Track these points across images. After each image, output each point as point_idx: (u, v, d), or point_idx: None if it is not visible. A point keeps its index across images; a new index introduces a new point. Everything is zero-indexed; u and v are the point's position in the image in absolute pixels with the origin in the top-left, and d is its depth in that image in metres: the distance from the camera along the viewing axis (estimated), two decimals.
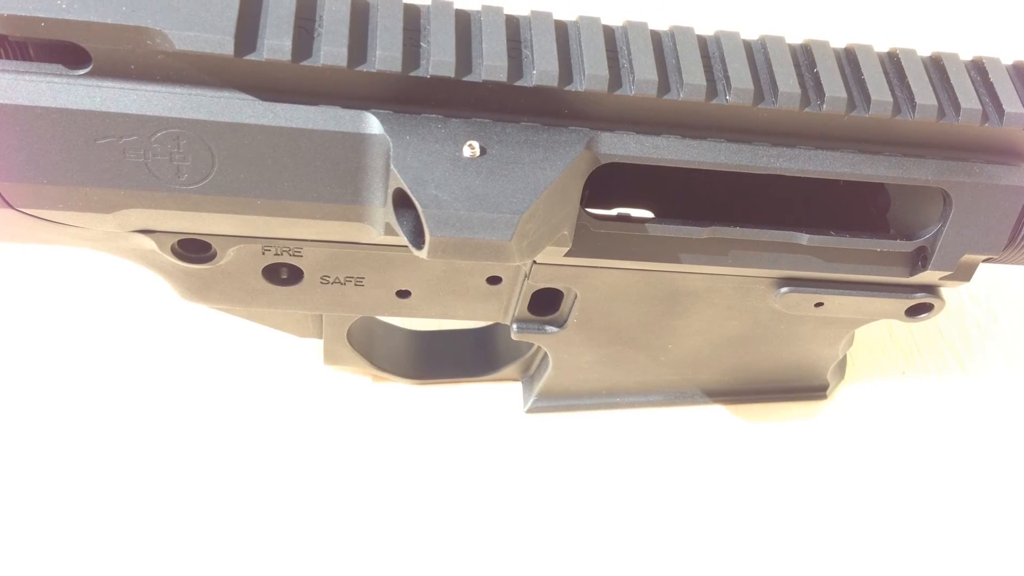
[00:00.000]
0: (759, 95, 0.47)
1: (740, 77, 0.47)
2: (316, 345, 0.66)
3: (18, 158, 0.42)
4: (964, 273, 0.56)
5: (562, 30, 0.46)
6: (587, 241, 0.51)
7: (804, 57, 0.49)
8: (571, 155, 0.46)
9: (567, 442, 0.68)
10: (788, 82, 0.47)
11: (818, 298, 0.58)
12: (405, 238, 0.45)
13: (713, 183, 0.59)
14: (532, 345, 0.66)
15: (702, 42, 0.48)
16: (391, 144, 0.44)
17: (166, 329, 0.69)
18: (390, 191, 0.45)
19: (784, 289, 0.57)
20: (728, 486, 0.67)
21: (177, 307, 0.65)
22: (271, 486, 0.63)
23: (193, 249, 0.51)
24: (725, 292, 0.58)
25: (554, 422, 0.69)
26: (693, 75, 0.46)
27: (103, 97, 0.42)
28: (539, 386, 0.67)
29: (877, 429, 0.72)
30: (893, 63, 0.50)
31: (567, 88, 0.45)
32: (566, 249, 0.50)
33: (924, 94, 0.48)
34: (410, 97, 0.44)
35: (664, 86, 0.46)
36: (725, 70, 0.47)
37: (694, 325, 0.62)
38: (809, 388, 0.72)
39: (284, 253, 0.53)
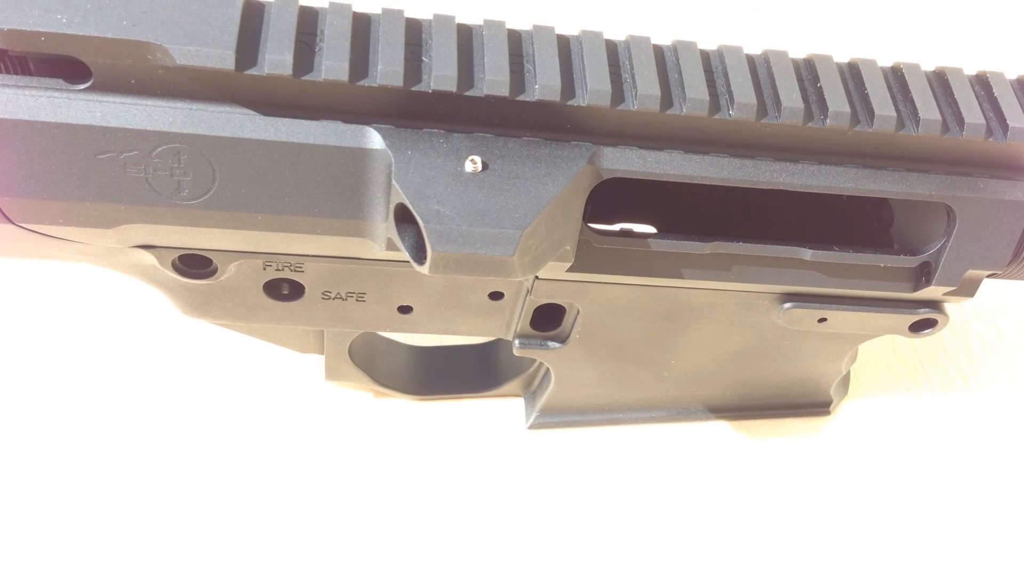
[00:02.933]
0: (762, 110, 0.47)
1: (743, 92, 0.46)
2: (317, 361, 0.66)
3: (18, 173, 0.42)
4: (968, 288, 0.56)
5: (564, 44, 0.46)
6: (589, 256, 0.51)
7: (807, 72, 0.49)
8: (573, 170, 0.45)
9: (569, 458, 0.68)
10: (791, 97, 0.47)
11: (821, 313, 0.57)
12: (407, 253, 0.45)
13: (716, 198, 0.59)
14: (534, 361, 0.66)
15: (705, 57, 0.48)
16: (393, 159, 0.43)
17: (167, 345, 0.69)
18: (392, 206, 0.44)
19: (787, 305, 0.57)
20: (731, 502, 0.67)
21: (178, 323, 0.65)
22: (272, 503, 0.63)
23: (194, 264, 0.51)
24: (728, 308, 0.58)
25: (556, 438, 0.69)
26: (696, 90, 0.46)
27: (103, 112, 0.42)
28: (541, 402, 0.67)
29: (881, 445, 0.71)
30: (897, 78, 0.50)
31: (569, 103, 0.45)
32: (568, 264, 0.50)
33: (928, 109, 0.48)
34: (412, 112, 0.44)
35: (667, 101, 0.46)
36: (728, 85, 0.47)
37: (697, 341, 0.61)
38: (812, 404, 0.71)
39: (285, 268, 0.52)
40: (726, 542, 0.65)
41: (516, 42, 0.46)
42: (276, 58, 0.41)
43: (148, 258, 0.49)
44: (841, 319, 0.58)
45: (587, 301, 0.56)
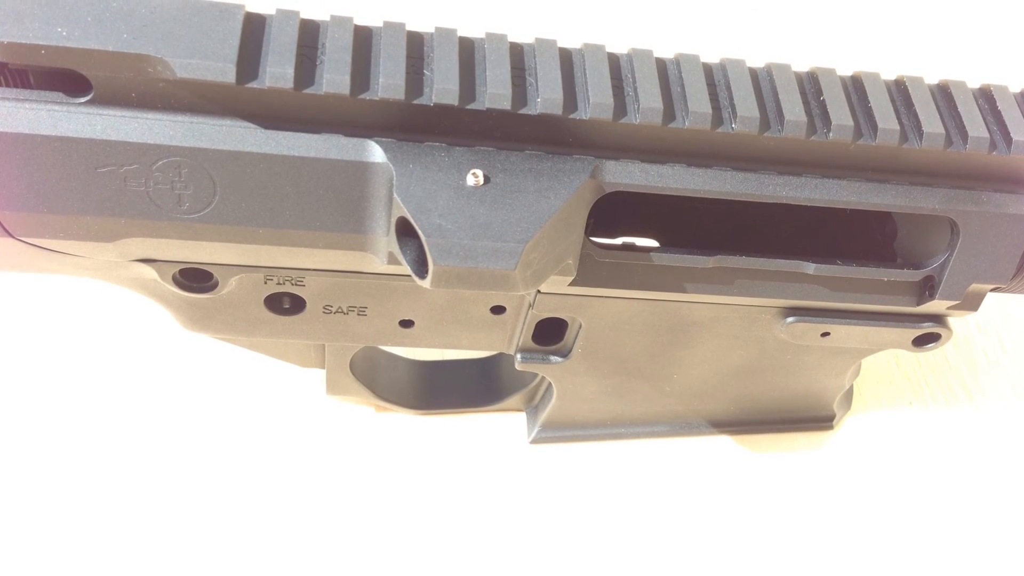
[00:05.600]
0: (765, 123, 0.47)
1: (746, 105, 0.46)
2: (318, 375, 0.66)
3: (18, 187, 0.42)
4: (972, 303, 0.56)
5: (567, 58, 0.46)
6: (592, 270, 0.51)
7: (810, 85, 0.49)
8: (576, 184, 0.45)
9: (571, 473, 0.67)
10: (794, 110, 0.47)
11: (824, 328, 0.57)
12: (408, 267, 0.44)
13: (719, 212, 0.59)
14: (536, 375, 0.66)
15: (707, 70, 0.48)
16: (394, 172, 0.43)
17: (167, 360, 0.69)
18: (393, 220, 0.44)
19: (790, 319, 0.56)
20: (734, 517, 0.66)
21: (178, 337, 0.65)
22: (273, 517, 0.62)
23: (195, 278, 0.51)
24: (731, 322, 0.58)
25: (558, 453, 0.68)
26: (699, 103, 0.46)
27: (104, 125, 0.41)
28: (543, 417, 0.67)
29: (884, 460, 0.71)
30: (900, 91, 0.50)
31: (572, 116, 0.45)
32: (570, 278, 0.50)
33: (931, 122, 0.48)
34: (413, 125, 0.44)
35: (669, 114, 0.46)
36: (731, 98, 0.47)
37: (699, 355, 0.61)
38: (815, 419, 0.71)
39: (286, 282, 0.52)
40: (729, 557, 0.64)
41: (518, 55, 0.45)
42: (277, 71, 0.41)
43: (149, 272, 0.49)
44: (844, 333, 0.58)
45: (589, 315, 0.56)
